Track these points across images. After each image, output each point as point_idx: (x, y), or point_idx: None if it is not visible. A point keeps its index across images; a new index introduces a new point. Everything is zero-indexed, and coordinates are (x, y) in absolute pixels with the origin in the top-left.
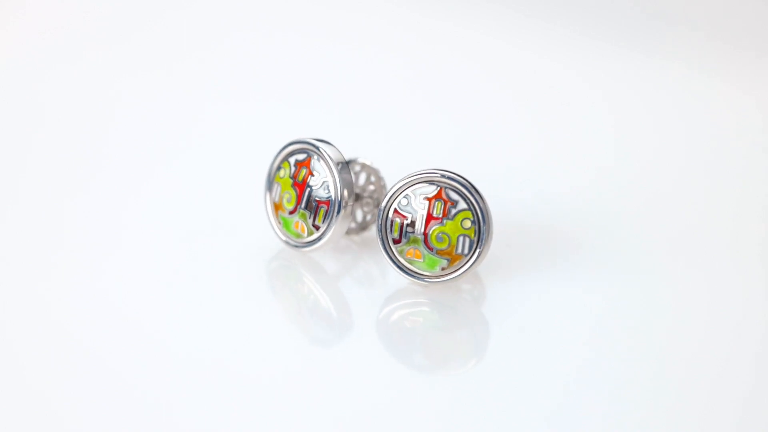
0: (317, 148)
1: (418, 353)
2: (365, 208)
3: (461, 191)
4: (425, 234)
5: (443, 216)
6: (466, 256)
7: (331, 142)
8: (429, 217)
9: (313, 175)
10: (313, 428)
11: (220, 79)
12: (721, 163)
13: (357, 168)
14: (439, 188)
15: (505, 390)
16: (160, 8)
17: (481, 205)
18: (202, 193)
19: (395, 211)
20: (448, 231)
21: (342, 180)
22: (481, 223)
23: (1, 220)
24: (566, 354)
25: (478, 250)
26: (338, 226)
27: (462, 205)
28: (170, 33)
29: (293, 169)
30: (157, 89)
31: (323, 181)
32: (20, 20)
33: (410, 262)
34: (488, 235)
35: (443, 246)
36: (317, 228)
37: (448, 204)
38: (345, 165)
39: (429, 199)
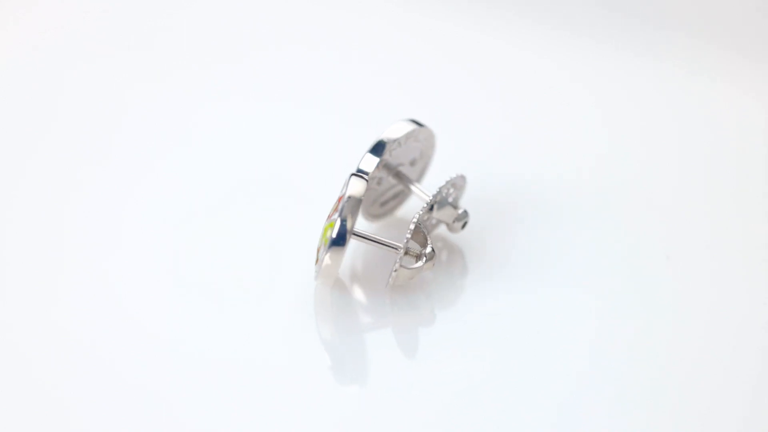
0: None
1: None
2: None
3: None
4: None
5: (330, 216)
6: (320, 260)
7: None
8: (331, 213)
9: None
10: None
11: (219, 80)
12: (722, 164)
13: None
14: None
15: (504, 390)
16: (160, 7)
17: (340, 224)
18: (203, 194)
19: (339, 197)
20: (324, 230)
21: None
22: (331, 238)
23: (5, 220)
24: (567, 356)
25: (322, 260)
26: None
27: (335, 215)
28: (172, 29)
29: None
30: (158, 88)
31: None
32: (20, 20)
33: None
34: (329, 251)
35: (319, 243)
36: None
37: (337, 209)
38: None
39: (339, 198)
